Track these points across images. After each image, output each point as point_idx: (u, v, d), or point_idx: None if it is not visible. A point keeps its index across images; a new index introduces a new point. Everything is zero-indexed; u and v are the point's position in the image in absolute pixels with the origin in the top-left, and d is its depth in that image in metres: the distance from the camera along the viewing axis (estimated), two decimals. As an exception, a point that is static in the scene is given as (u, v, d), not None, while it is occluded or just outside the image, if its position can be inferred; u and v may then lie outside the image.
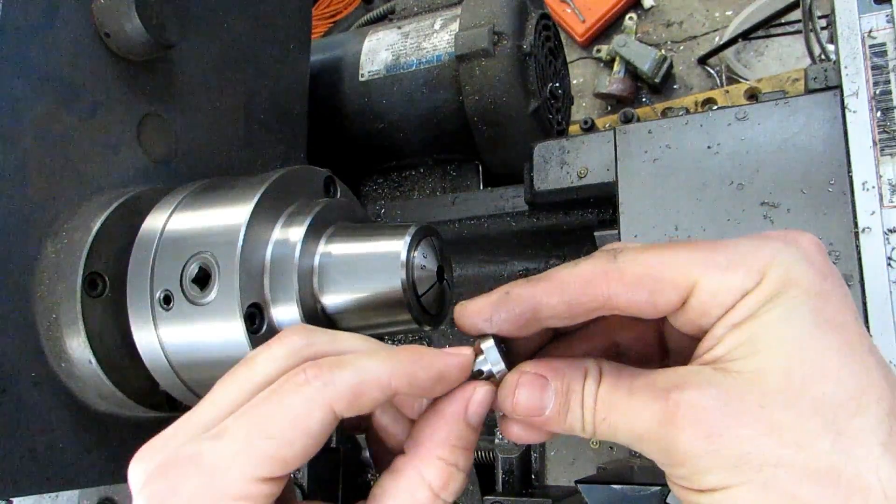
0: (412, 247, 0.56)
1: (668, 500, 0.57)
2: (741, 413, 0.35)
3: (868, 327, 0.69)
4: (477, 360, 0.43)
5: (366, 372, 0.38)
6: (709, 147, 0.80)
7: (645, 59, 2.56)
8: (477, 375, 0.43)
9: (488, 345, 0.43)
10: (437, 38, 1.10)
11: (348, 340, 0.42)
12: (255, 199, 0.57)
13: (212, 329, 0.56)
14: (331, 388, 0.37)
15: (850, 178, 0.72)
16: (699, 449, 0.35)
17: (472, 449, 0.42)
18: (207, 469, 0.36)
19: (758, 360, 0.35)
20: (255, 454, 0.36)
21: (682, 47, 2.72)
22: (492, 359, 0.43)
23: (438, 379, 0.41)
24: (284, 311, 0.57)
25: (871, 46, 0.74)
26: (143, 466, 0.38)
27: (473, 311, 0.43)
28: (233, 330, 0.55)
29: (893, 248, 0.69)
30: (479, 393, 0.42)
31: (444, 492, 0.39)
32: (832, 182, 0.74)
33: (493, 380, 0.43)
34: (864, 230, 0.71)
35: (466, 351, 0.43)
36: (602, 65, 2.77)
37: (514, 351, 0.45)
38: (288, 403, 0.37)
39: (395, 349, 0.41)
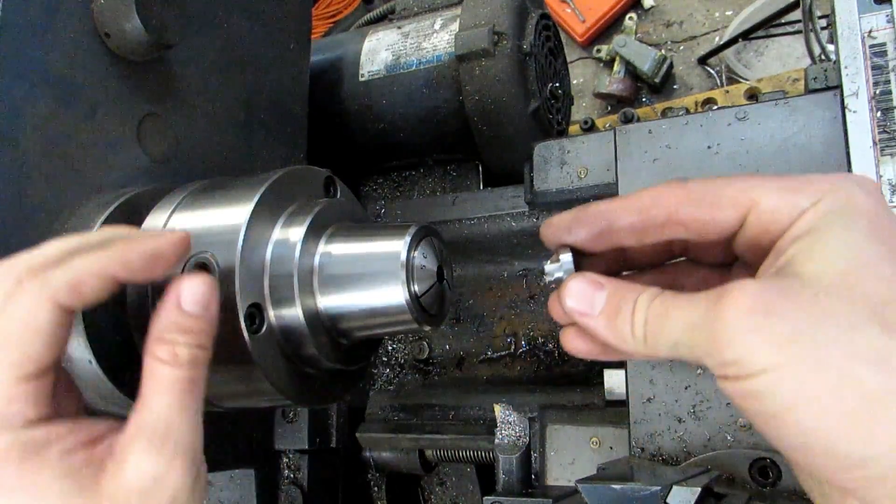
0: (412, 247, 0.56)
1: (667, 500, 0.57)
2: (794, 298, 0.36)
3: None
4: (552, 269, 0.47)
5: (78, 266, 0.43)
6: (709, 147, 0.80)
7: (645, 59, 2.55)
8: (554, 283, 0.47)
9: (564, 254, 0.47)
10: (437, 38, 1.10)
11: (63, 242, 0.45)
12: (255, 199, 0.57)
13: (212, 329, 0.56)
14: (48, 287, 0.42)
15: (850, 178, 0.72)
16: (750, 324, 0.35)
17: (199, 334, 0.45)
18: None
19: (815, 264, 0.37)
20: (6, 362, 0.41)
21: (682, 47, 2.72)
22: (566, 267, 0.46)
23: (153, 259, 0.46)
24: (284, 311, 0.57)
25: (871, 46, 0.74)
26: None
27: (555, 222, 0.47)
28: (233, 330, 0.55)
29: (893, 248, 0.69)
30: (190, 279, 0.46)
31: (179, 366, 0.44)
32: (832, 182, 0.74)
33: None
34: (864, 230, 0.71)
35: (180, 232, 0.48)
36: (602, 65, 2.77)
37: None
38: (18, 313, 0.42)
39: (112, 239, 0.46)
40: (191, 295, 0.46)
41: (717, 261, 0.48)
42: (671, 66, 2.62)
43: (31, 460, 0.41)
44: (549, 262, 0.47)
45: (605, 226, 0.45)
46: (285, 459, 1.00)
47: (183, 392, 0.44)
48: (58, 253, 0.44)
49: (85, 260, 0.44)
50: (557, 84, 1.14)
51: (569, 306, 0.44)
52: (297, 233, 0.58)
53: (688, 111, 0.86)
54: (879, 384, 0.34)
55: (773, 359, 0.35)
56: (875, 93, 0.73)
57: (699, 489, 0.57)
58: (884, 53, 0.73)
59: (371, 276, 0.56)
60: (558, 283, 0.46)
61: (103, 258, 0.44)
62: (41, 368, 0.43)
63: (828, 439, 0.35)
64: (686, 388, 0.74)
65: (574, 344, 0.47)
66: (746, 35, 2.30)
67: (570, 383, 0.97)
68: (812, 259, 0.37)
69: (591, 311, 0.43)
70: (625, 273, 0.52)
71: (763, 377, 0.35)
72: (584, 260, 0.48)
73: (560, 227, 0.47)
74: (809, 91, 0.78)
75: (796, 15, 2.10)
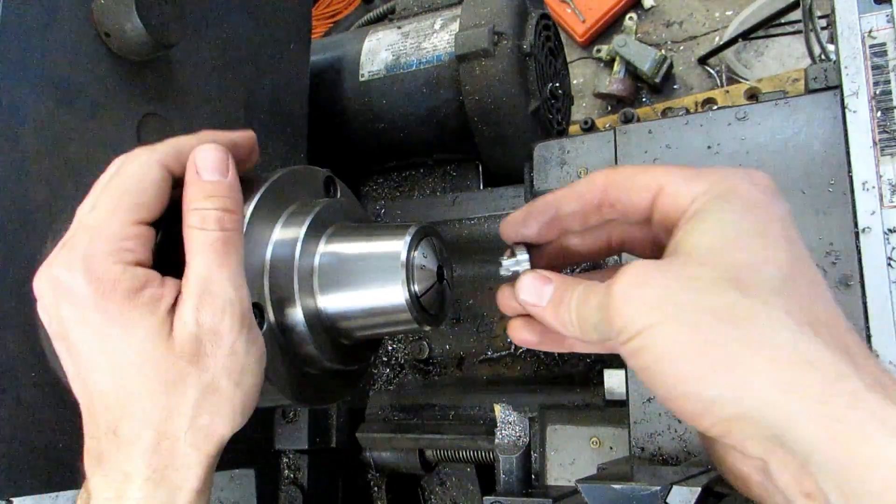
0: (412, 246, 0.56)
1: (667, 500, 0.57)
2: (665, 271, 0.42)
3: (868, 327, 0.69)
4: (509, 264, 0.52)
5: (181, 141, 0.53)
6: (709, 147, 0.80)
7: (645, 59, 2.56)
8: (511, 277, 0.52)
9: (520, 251, 0.52)
10: (437, 38, 1.10)
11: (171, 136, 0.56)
12: (255, 199, 0.57)
13: (212, 329, 0.56)
14: (156, 152, 0.51)
15: (850, 178, 0.72)
16: (630, 295, 0.42)
17: (222, 198, 0.51)
18: (94, 228, 0.48)
19: (692, 239, 0.43)
20: (123, 206, 0.49)
21: (682, 47, 2.72)
22: (522, 263, 0.52)
23: (234, 143, 0.55)
24: (284, 311, 0.57)
25: (871, 46, 0.74)
26: (45, 273, 0.49)
27: (511, 219, 0.53)
28: (233, 330, 0.54)
29: (893, 248, 0.69)
30: (203, 150, 0.52)
31: (209, 230, 0.50)
32: (832, 182, 0.74)
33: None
34: (864, 230, 0.71)
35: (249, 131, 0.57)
36: (602, 65, 2.77)
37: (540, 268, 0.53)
38: (132, 168, 0.51)
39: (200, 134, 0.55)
40: (205, 163, 0.52)
41: (651, 255, 0.52)
42: (671, 66, 2.62)
43: (133, 295, 0.47)
44: (505, 257, 0.53)
45: (553, 214, 0.51)
46: (285, 459, 1.00)
47: (217, 252, 0.49)
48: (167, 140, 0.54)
49: (184, 138, 0.54)
50: (557, 84, 1.14)
51: (522, 299, 0.50)
52: (297, 233, 0.58)
53: (688, 111, 0.86)
54: (725, 333, 0.39)
55: (647, 320, 0.41)
56: (875, 93, 0.73)
57: (699, 489, 0.57)
58: (884, 53, 0.73)
59: (371, 275, 0.56)
60: (514, 276, 0.51)
61: (198, 137, 0.54)
62: (149, 218, 0.50)
63: (684, 383, 0.40)
64: (686, 388, 0.74)
65: (519, 333, 0.53)
66: (746, 35, 2.30)
67: (570, 383, 0.97)
68: (691, 236, 0.43)
69: (540, 302, 0.49)
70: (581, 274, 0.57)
71: (640, 337, 0.41)
72: (535, 253, 0.53)
73: (516, 222, 0.52)
74: (809, 91, 0.78)
75: (796, 15, 2.10)
